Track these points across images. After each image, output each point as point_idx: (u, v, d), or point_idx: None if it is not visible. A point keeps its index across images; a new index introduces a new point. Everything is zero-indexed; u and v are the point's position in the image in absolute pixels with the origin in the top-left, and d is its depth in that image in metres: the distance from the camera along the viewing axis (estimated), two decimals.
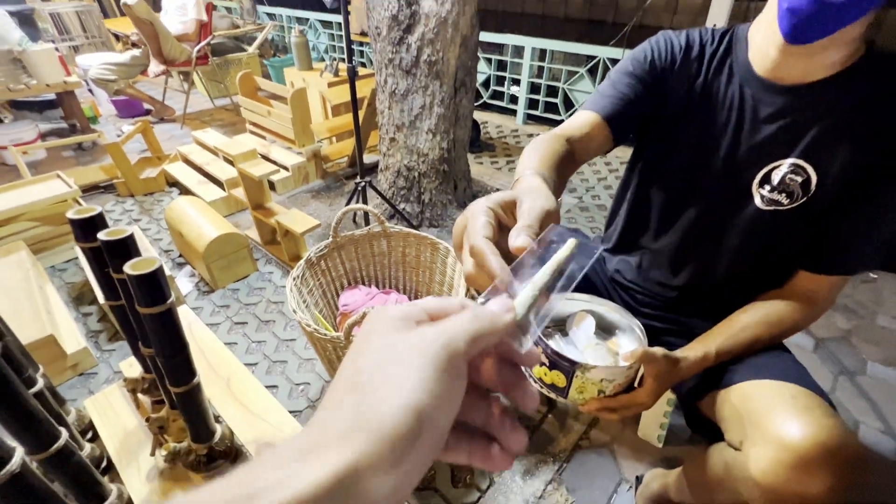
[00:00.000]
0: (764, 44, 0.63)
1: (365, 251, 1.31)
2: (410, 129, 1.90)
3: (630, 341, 0.71)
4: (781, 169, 0.65)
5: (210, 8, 3.39)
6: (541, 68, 2.95)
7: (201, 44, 3.16)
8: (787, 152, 0.64)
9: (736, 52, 0.68)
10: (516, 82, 3.14)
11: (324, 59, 4.11)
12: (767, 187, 0.67)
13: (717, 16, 2.24)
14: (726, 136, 0.68)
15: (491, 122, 3.23)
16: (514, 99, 3.23)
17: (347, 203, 1.77)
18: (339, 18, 4.03)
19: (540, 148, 0.59)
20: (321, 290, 1.24)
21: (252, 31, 4.15)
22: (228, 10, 5.12)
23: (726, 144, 0.69)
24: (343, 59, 3.90)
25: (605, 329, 0.75)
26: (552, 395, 0.67)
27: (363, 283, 1.35)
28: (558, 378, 0.64)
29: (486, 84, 3.32)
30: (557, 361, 0.63)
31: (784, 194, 0.65)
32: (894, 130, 0.58)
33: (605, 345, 0.71)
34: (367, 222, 1.93)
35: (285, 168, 2.30)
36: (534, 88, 3.08)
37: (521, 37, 2.92)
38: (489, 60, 3.20)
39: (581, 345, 0.71)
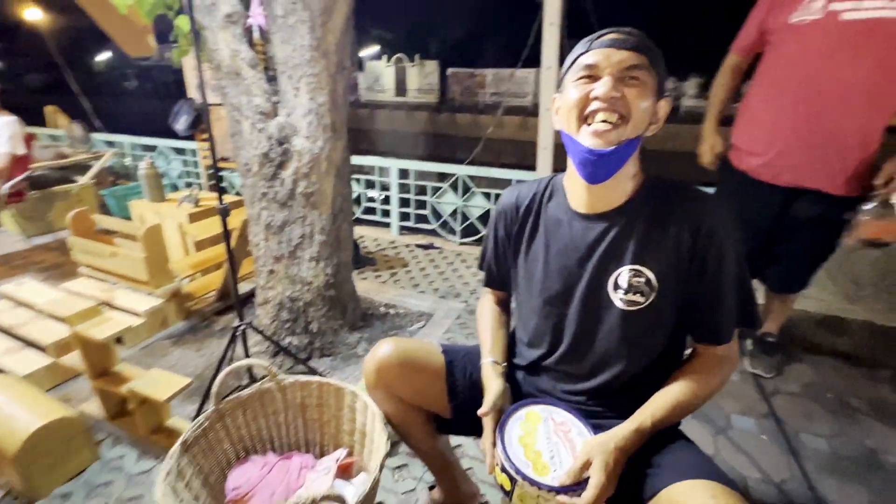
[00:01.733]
0: (576, 188, 0.82)
1: (256, 412, 1.13)
2: (291, 259, 1.83)
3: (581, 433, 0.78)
4: (624, 274, 0.78)
5: (29, 139, 2.98)
6: (416, 184, 3.21)
7: (14, 180, 2.70)
8: (621, 261, 0.78)
9: (557, 196, 0.86)
10: (386, 199, 3.33)
11: (177, 188, 3.85)
12: (621, 291, 0.79)
13: (545, 138, 2.75)
14: (569, 259, 0.83)
15: (368, 236, 3.31)
16: (386, 213, 3.39)
17: (225, 352, 1.55)
18: (192, 145, 3.88)
19: (487, 325, 0.98)
20: (202, 476, 1.00)
21: (86, 160, 3.72)
22: (54, 138, 4.57)
23: (575, 266, 0.82)
24: (201, 187, 3.70)
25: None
26: (503, 495, 0.76)
27: (257, 452, 1.14)
28: (505, 481, 0.73)
29: (356, 200, 3.44)
30: (504, 466, 0.72)
31: (637, 294, 0.78)
32: (683, 234, 0.76)
33: (562, 442, 0.77)
34: (251, 377, 1.71)
35: (137, 315, 1.96)
36: (404, 202, 3.30)
37: (387, 159, 3.18)
38: (357, 180, 3.37)
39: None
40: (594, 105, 0.71)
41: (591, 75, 0.72)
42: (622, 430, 0.73)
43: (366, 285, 2.54)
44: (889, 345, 2.06)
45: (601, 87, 0.70)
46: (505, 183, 2.97)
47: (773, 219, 1.61)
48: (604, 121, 0.70)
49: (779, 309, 1.87)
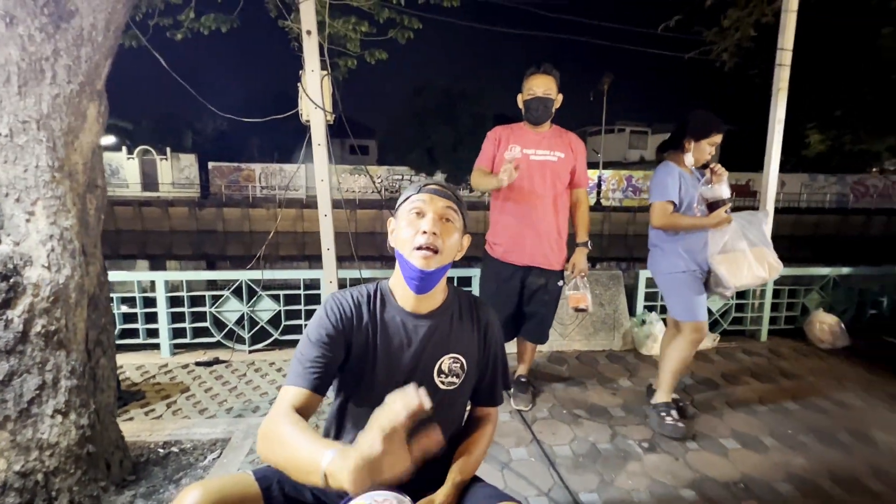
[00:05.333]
0: (404, 294, 1.03)
1: None
2: (22, 420, 1.43)
3: None
4: (446, 361, 1.03)
5: None
6: (192, 297, 2.88)
7: None
8: (443, 351, 1.04)
9: (389, 300, 1.05)
10: (151, 318, 2.89)
11: None
12: (443, 376, 1.03)
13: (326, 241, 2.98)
14: (405, 352, 1.02)
15: (128, 365, 2.75)
16: (152, 333, 2.92)
17: None
18: None
19: (302, 428, 0.81)
20: None
21: None
22: None
23: (406, 358, 1.01)
24: None
25: None
26: None
27: None
28: None
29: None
30: None
31: (454, 376, 1.04)
32: (477, 329, 1.08)
33: None
34: None
35: None
36: (177, 317, 2.92)
37: (154, 272, 2.81)
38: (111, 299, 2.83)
39: None
40: (420, 240, 0.95)
41: (420, 212, 0.98)
42: (444, 489, 0.95)
43: (134, 426, 2.10)
44: (588, 363, 2.96)
45: (427, 223, 0.96)
46: (294, 283, 3.02)
47: (518, 288, 2.27)
48: (428, 248, 0.94)
49: (529, 355, 2.49)
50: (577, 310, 2.33)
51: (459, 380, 1.05)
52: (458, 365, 1.05)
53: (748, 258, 2.02)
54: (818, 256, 17.37)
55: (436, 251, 0.94)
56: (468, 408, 1.17)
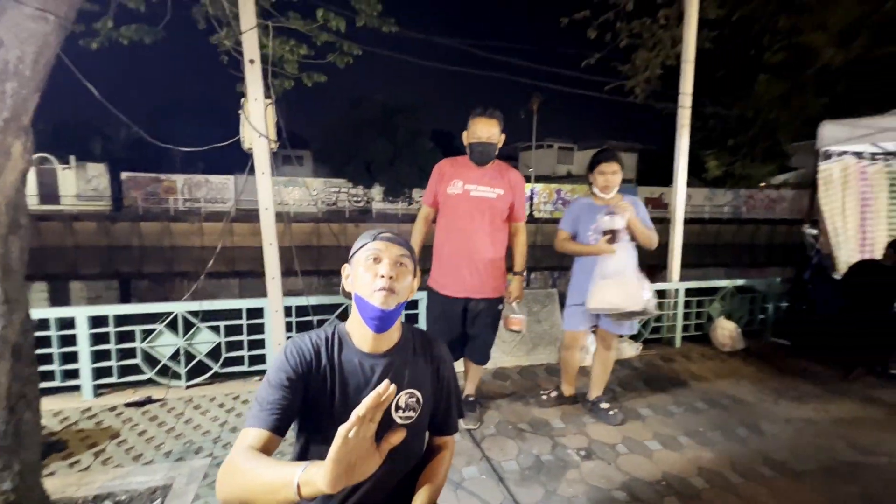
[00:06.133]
0: (363, 335, 1.09)
1: None
2: None
3: None
4: (403, 397, 1.11)
5: None
6: (119, 332, 2.67)
7: None
8: (401, 387, 1.11)
9: (346, 342, 1.11)
10: (69, 357, 2.65)
11: None
12: (401, 411, 1.10)
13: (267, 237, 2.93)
14: (362, 392, 1.07)
15: (44, 411, 2.49)
16: (70, 374, 2.67)
17: None
18: None
19: (259, 459, 0.84)
20: None
21: None
22: None
23: (369, 390, 1.06)
24: None
25: None
26: None
27: None
28: None
29: None
30: None
31: (411, 411, 1.12)
32: (431, 363, 1.17)
33: None
34: None
35: None
36: (100, 355, 2.70)
37: (75, 308, 2.59)
38: None
39: None
40: (379, 283, 1.02)
41: (377, 258, 1.05)
42: None
43: (57, 482, 1.93)
44: (529, 378, 3.16)
45: (384, 268, 1.04)
46: (235, 313, 2.91)
47: (461, 315, 2.41)
48: (386, 289, 1.02)
49: (474, 375, 2.62)
50: (512, 331, 2.56)
51: (416, 413, 1.13)
52: (414, 399, 1.13)
53: (623, 286, 2.31)
54: (719, 262, 19.53)
55: (393, 291, 1.03)
56: (427, 438, 1.25)
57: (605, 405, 2.62)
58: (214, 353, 2.90)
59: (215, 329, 2.88)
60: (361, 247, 1.09)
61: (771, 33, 5.84)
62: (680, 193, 3.86)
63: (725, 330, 3.78)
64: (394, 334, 1.13)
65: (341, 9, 4.14)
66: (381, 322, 1.05)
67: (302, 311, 2.96)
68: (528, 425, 2.52)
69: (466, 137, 2.32)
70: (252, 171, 2.62)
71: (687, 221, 4.12)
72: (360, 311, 1.06)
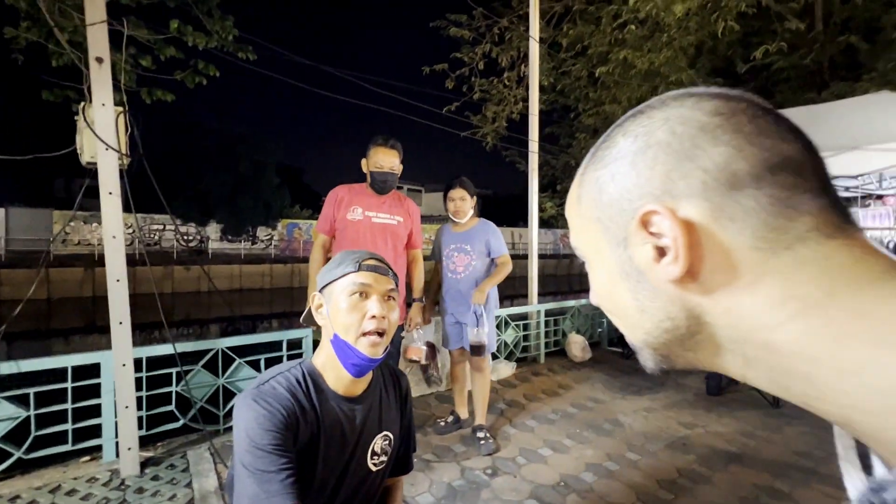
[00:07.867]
0: (338, 378, 0.94)
1: None
2: None
3: None
4: (378, 441, 1.01)
5: None
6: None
7: None
8: (376, 432, 1.01)
9: (322, 386, 0.94)
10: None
11: None
12: (376, 457, 1.01)
13: None
14: (346, 441, 0.95)
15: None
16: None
17: None
18: None
19: None
20: None
21: None
22: None
23: (347, 447, 0.96)
24: None
25: None
26: None
27: None
28: None
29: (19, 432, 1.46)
30: None
31: (384, 455, 1.03)
32: (398, 397, 1.10)
33: None
34: None
35: None
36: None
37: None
38: None
39: None
40: (368, 325, 0.88)
41: (364, 293, 0.90)
42: None
43: None
44: (422, 407, 3.14)
45: (375, 307, 0.89)
46: (52, 375, 2.20)
47: None
48: (376, 333, 0.89)
49: None
50: (411, 360, 2.51)
51: (388, 456, 1.05)
52: (388, 442, 1.05)
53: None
54: (547, 291, 22.86)
55: (382, 334, 0.91)
56: None
57: (479, 434, 2.58)
58: (18, 434, 2.12)
59: (21, 399, 2.12)
60: (342, 276, 0.92)
61: (584, 101, 7.42)
62: (534, 230, 4.46)
63: (576, 343, 4.40)
64: (369, 376, 1.02)
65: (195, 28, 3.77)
66: (366, 369, 0.94)
67: (153, 363, 2.41)
68: (433, 455, 2.49)
69: (366, 165, 2.31)
70: (88, 193, 2.12)
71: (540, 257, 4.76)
72: (342, 355, 0.92)
